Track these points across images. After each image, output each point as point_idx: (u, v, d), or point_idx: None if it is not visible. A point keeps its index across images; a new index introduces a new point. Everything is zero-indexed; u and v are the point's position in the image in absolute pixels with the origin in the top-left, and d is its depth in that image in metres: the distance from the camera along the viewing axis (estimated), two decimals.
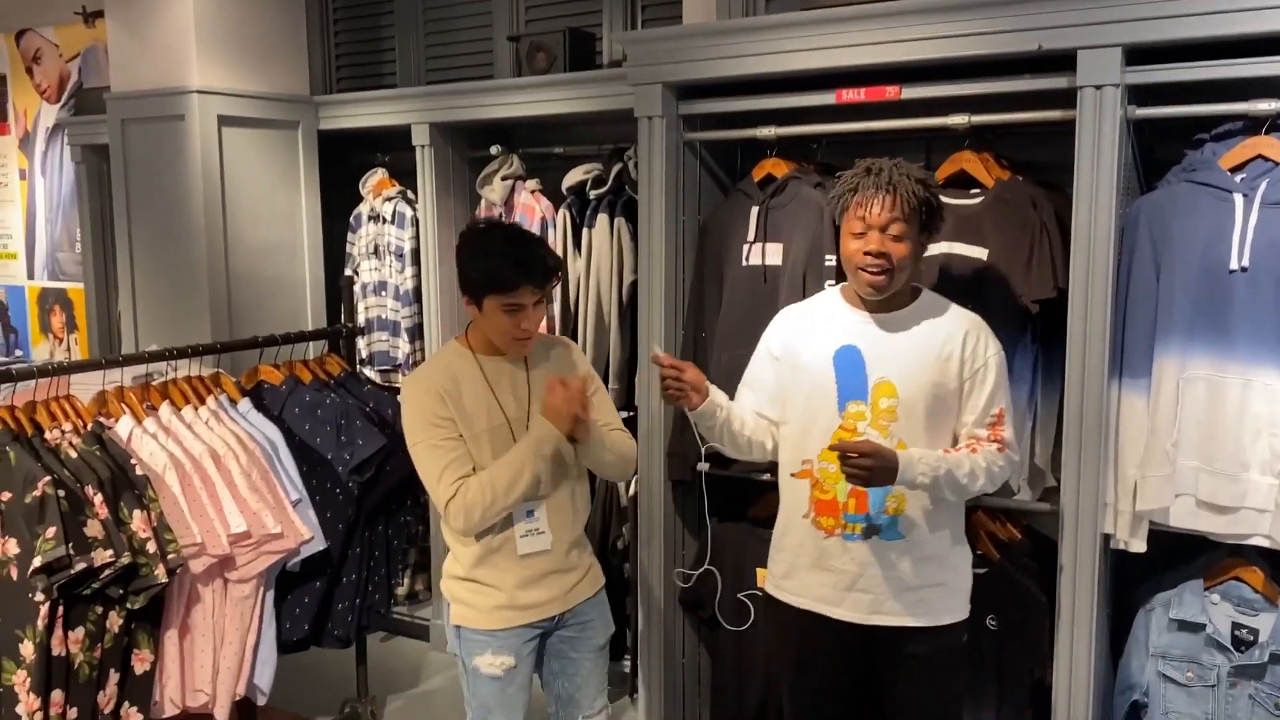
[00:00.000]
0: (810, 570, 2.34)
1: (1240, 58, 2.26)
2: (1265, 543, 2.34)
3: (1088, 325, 2.43)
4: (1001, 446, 2.26)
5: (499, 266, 2.30)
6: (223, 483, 2.68)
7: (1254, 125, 2.36)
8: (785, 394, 2.38)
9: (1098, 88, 2.34)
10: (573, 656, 2.54)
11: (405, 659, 4.19)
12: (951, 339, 2.26)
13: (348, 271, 4.21)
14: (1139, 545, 2.47)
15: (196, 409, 2.82)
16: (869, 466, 2.09)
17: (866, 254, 2.21)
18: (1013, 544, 2.75)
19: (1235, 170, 2.36)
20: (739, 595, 2.97)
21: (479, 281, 2.32)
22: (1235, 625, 2.45)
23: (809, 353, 2.33)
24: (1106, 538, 2.50)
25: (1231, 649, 2.43)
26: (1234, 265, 2.31)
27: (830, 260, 2.76)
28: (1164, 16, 2.27)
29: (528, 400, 2.43)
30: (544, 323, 3.34)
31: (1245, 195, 2.32)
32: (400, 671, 4.06)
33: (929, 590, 2.29)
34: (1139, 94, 2.41)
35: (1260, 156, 2.34)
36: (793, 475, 2.37)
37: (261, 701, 2.89)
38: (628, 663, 3.63)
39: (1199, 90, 2.37)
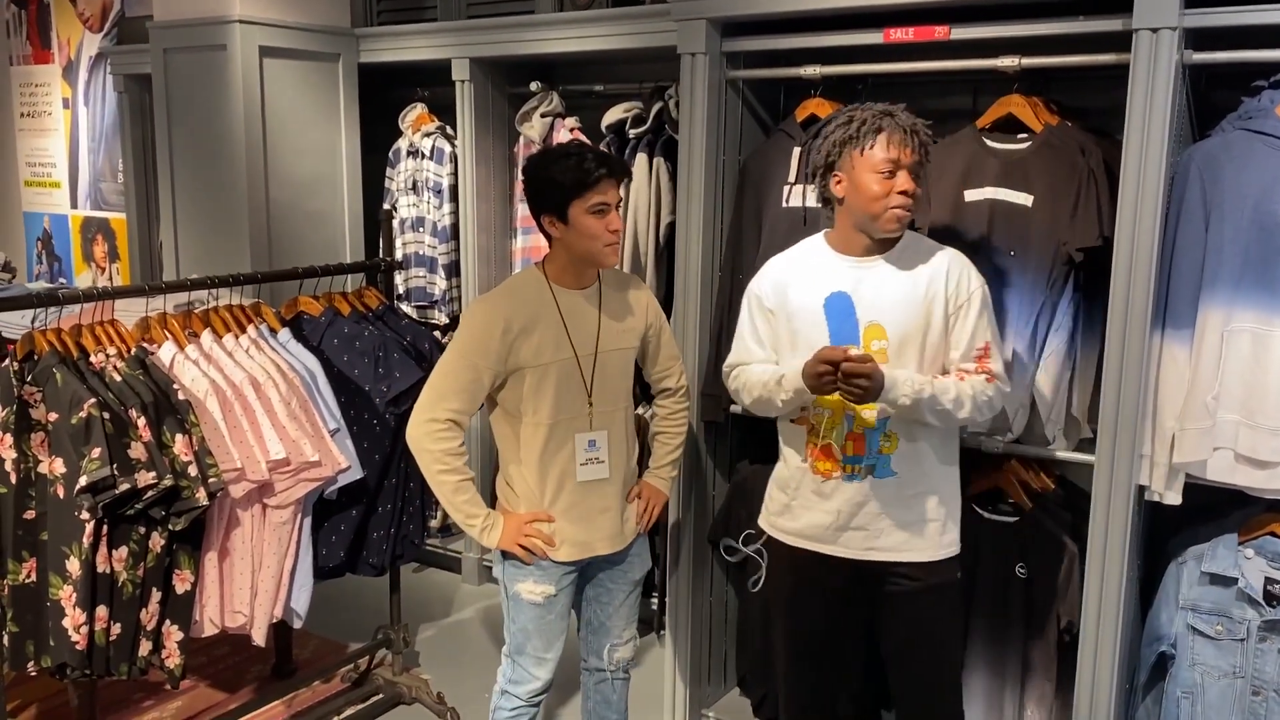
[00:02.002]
0: (805, 510, 2.39)
1: None
2: None
3: (1132, 274, 2.39)
4: (990, 377, 2.28)
5: (578, 164, 2.32)
6: (262, 410, 2.71)
7: None
8: (778, 343, 2.41)
9: (1154, 30, 2.28)
10: (609, 587, 2.61)
11: (438, 590, 4.27)
12: (935, 277, 2.28)
13: (386, 205, 4.22)
14: (1174, 498, 2.45)
15: (237, 337, 2.85)
16: (866, 387, 2.13)
17: (901, 193, 2.21)
18: (1045, 493, 2.74)
19: None
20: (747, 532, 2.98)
21: (564, 185, 2.32)
22: (1269, 580, 2.43)
23: (799, 301, 2.34)
24: (1141, 489, 2.48)
25: (1263, 604, 2.42)
26: None
27: None
28: None
29: (596, 336, 2.45)
30: None
31: None
32: (433, 602, 4.15)
33: (922, 525, 2.33)
34: (1196, 38, 2.34)
35: None
36: (792, 422, 2.40)
37: (297, 625, 2.95)
38: (655, 601, 3.67)
39: (1259, 35, 2.30)
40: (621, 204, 2.41)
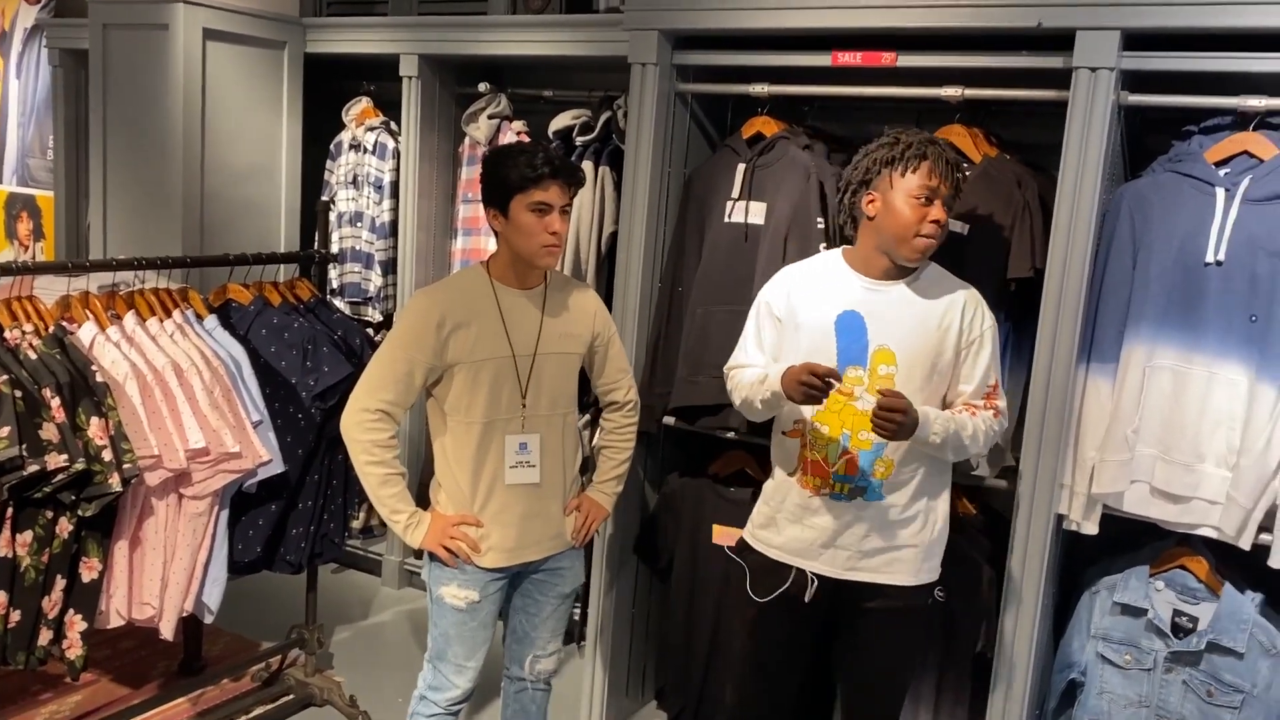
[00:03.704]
0: (791, 524, 2.38)
1: (1233, 51, 2.27)
2: (1213, 534, 2.38)
3: (1061, 307, 2.44)
4: (996, 413, 2.32)
5: (527, 160, 2.30)
6: (184, 397, 2.64)
7: (1242, 121, 2.37)
8: (782, 353, 2.39)
9: (1093, 70, 2.34)
10: (538, 598, 2.57)
11: (356, 592, 4.19)
12: (951, 310, 2.30)
13: (324, 197, 4.15)
14: (1091, 528, 2.50)
15: (162, 321, 2.77)
16: (902, 422, 2.13)
17: (934, 222, 2.22)
18: (967, 518, 2.78)
19: (1220, 164, 2.38)
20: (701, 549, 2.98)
21: (509, 179, 2.31)
22: (1176, 612, 2.49)
23: (810, 314, 2.33)
24: (1060, 518, 2.53)
25: (1170, 635, 2.48)
26: (1210, 258, 2.33)
27: (820, 223, 2.75)
28: (1164, 4, 2.27)
29: (536, 338, 2.43)
30: None
31: (1227, 190, 2.33)
32: (351, 604, 4.07)
33: (905, 550, 2.34)
34: (1133, 80, 2.41)
35: (1246, 152, 2.36)
36: (784, 434, 2.40)
37: (208, 620, 2.87)
38: (578, 611, 3.65)
39: (1192, 81, 2.37)
40: (568, 210, 2.38)
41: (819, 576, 2.36)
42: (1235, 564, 2.47)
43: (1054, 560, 2.58)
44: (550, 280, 2.49)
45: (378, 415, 2.35)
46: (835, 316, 2.30)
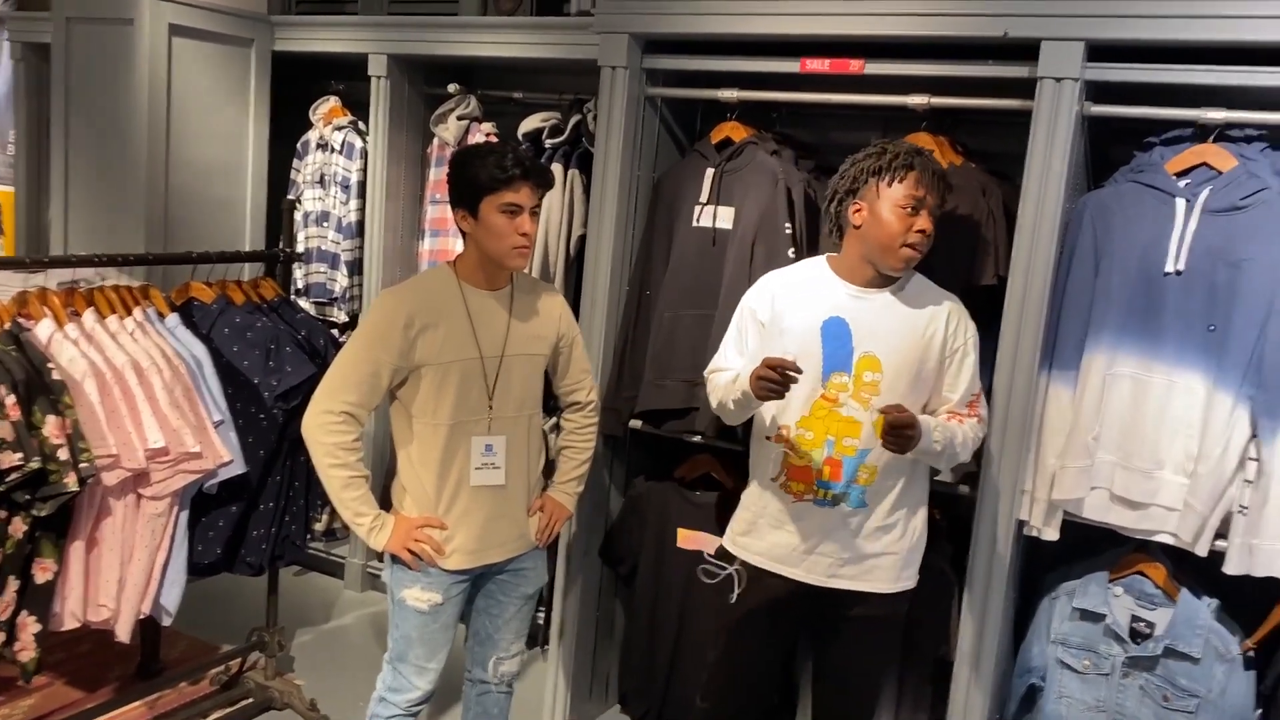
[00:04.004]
0: (772, 530, 2.39)
1: (1194, 64, 2.30)
2: (1170, 540, 2.41)
3: (1023, 314, 2.46)
4: (979, 420, 2.36)
5: (497, 161, 2.28)
6: (144, 396, 2.61)
7: (1203, 133, 2.40)
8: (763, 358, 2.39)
9: (1057, 80, 2.37)
10: (501, 599, 2.56)
11: (318, 594, 4.16)
12: (935, 319, 2.32)
13: (290, 196, 4.12)
14: (1052, 534, 2.53)
15: (122, 319, 2.73)
16: (909, 437, 2.14)
17: (919, 232, 2.23)
18: (930, 523, 2.79)
19: (1180, 175, 2.41)
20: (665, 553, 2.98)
21: (479, 179, 2.29)
22: (1134, 618, 2.52)
23: (795, 320, 2.34)
24: (1021, 524, 2.55)
25: (1128, 640, 2.51)
26: (1170, 268, 2.36)
27: (788, 228, 2.76)
28: (1128, 15, 2.30)
29: (504, 339, 2.41)
30: None
31: (1187, 200, 2.36)
32: (312, 606, 4.03)
33: (885, 558, 2.35)
34: (1096, 91, 2.44)
35: (1205, 164, 2.39)
36: (768, 439, 2.40)
37: (166, 622, 2.83)
38: (542, 614, 3.63)
39: (1155, 93, 2.40)
40: (537, 211, 2.37)
41: (799, 583, 2.36)
42: (1192, 570, 2.50)
43: (1015, 565, 2.60)
44: (517, 281, 2.48)
45: (342, 417, 2.33)
46: (821, 323, 2.31)
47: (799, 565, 2.36)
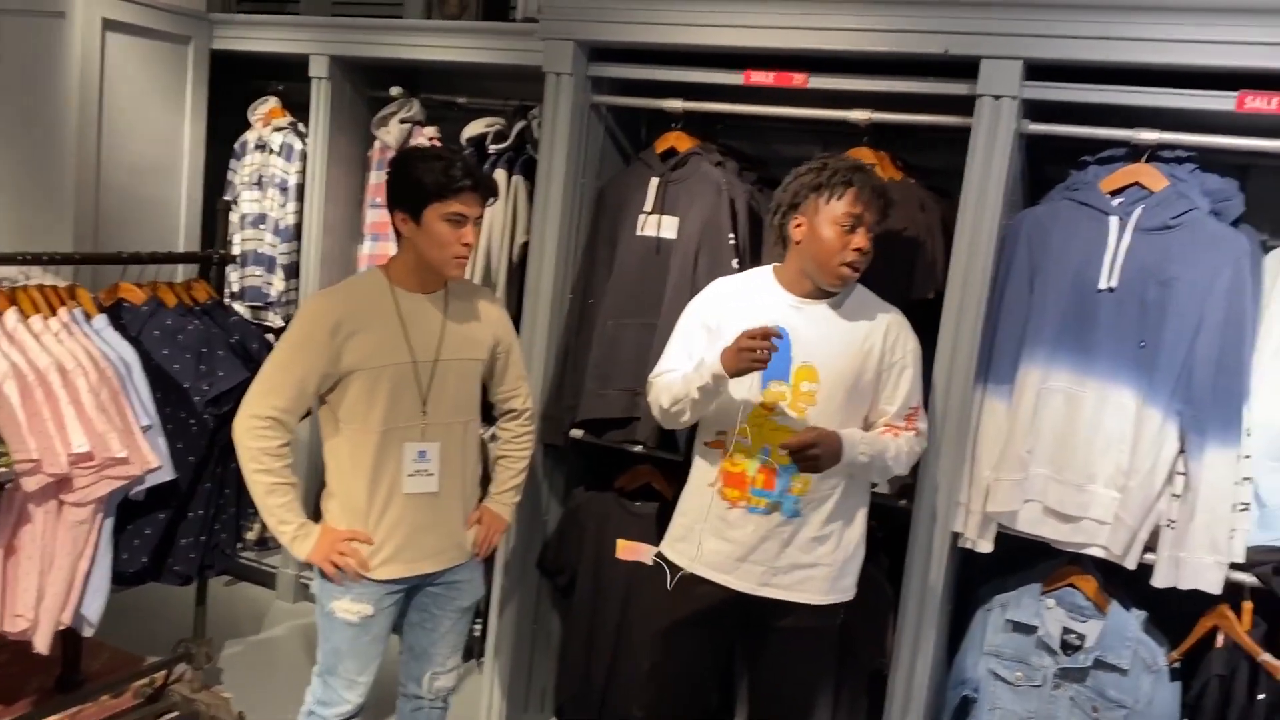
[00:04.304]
0: (708, 537, 2.38)
1: (1128, 86, 2.35)
2: (1101, 553, 2.45)
3: (959, 329, 2.49)
4: (917, 434, 2.36)
5: (446, 169, 2.25)
6: (68, 399, 2.53)
7: (1135, 153, 2.46)
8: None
9: (996, 98, 2.40)
10: (435, 613, 2.51)
11: (249, 605, 4.07)
12: (874, 332, 2.33)
13: (226, 197, 4.04)
14: (986, 546, 2.55)
15: (46, 319, 2.65)
16: (817, 455, 2.15)
17: (856, 250, 2.24)
18: (867, 535, 2.81)
19: (1114, 194, 2.46)
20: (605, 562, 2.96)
21: (424, 185, 2.25)
22: (1065, 630, 2.56)
23: (738, 328, 2.32)
24: (956, 536, 2.58)
25: (1059, 652, 2.54)
26: (1103, 285, 2.41)
27: (732, 239, 2.77)
28: (1065, 36, 2.34)
29: (438, 343, 2.37)
30: None
31: (1120, 219, 2.41)
32: (242, 617, 3.94)
33: (819, 569, 2.35)
34: (1034, 109, 2.48)
35: (1138, 183, 2.44)
36: (706, 444, 2.40)
37: (88, 633, 2.74)
38: (478, 626, 3.59)
39: (1088, 113, 2.45)
40: (480, 220, 2.34)
41: (733, 591, 2.36)
42: (1121, 582, 2.55)
43: (950, 577, 2.62)
44: (451, 285, 2.44)
45: (268, 422, 2.28)
46: None
47: (732, 573, 2.36)
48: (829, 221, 2.26)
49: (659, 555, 2.50)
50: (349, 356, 2.29)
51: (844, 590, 2.41)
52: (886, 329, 2.34)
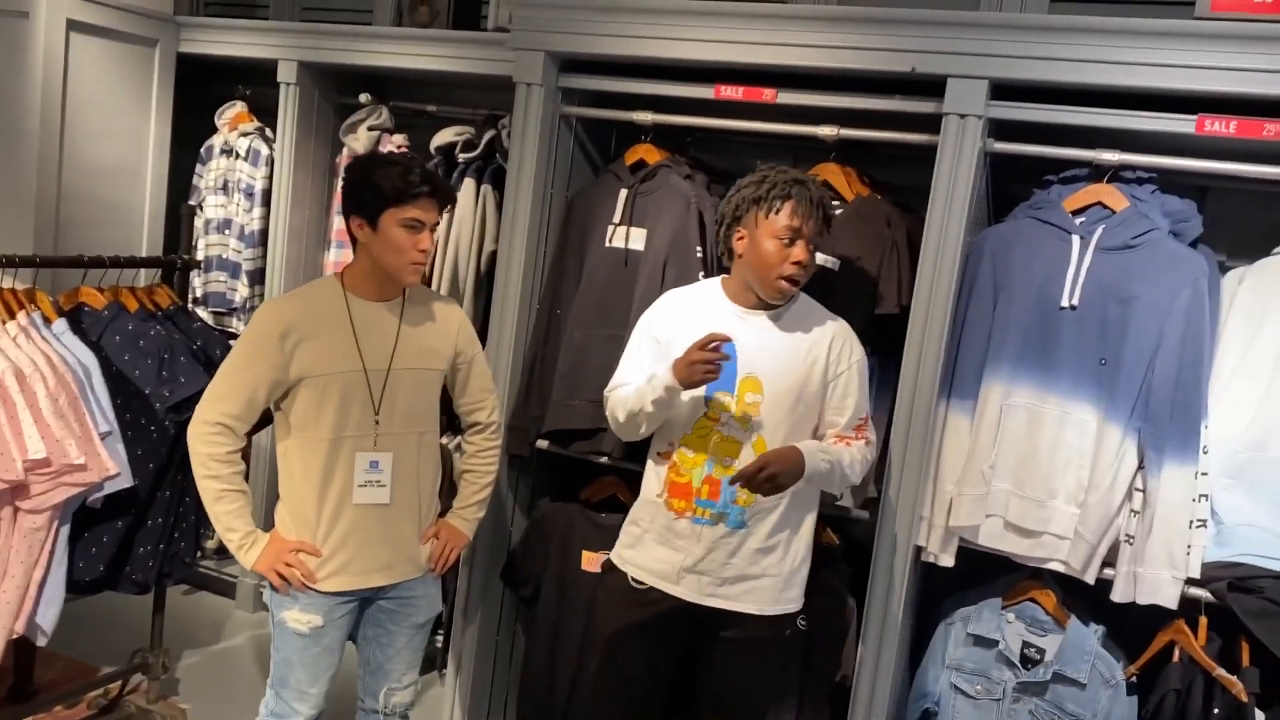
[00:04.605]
0: (656, 546, 2.39)
1: (1091, 107, 2.38)
2: (1061, 568, 2.47)
3: (924, 344, 2.51)
4: (867, 443, 2.37)
5: (404, 174, 2.24)
6: (24, 404, 2.49)
7: (1098, 173, 2.50)
8: None
9: (962, 116, 2.43)
10: (391, 629, 2.48)
11: (207, 614, 4.01)
12: (819, 342, 2.34)
13: (191, 202, 4.00)
14: (948, 560, 2.57)
15: (4, 323, 2.61)
16: (773, 474, 2.16)
17: (795, 263, 2.26)
18: (830, 548, 2.82)
19: (1076, 213, 2.49)
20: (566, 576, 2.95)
21: (381, 190, 2.23)
22: (1025, 644, 2.58)
23: (686, 338, 2.33)
24: (919, 550, 2.60)
25: (1019, 666, 2.56)
26: (1065, 303, 2.44)
27: (700, 251, 2.78)
28: (1031, 58, 2.37)
29: (392, 351, 2.36)
30: None
31: (1082, 238, 2.45)
32: (201, 627, 3.89)
33: (765, 580, 2.36)
34: (999, 129, 2.51)
35: (1100, 203, 2.48)
36: (659, 454, 2.41)
37: (42, 643, 2.69)
38: (440, 638, 3.57)
39: (1052, 133, 2.48)
40: (438, 228, 2.33)
41: (679, 600, 2.36)
42: (1080, 597, 2.57)
43: (912, 591, 2.64)
44: (410, 293, 2.42)
45: (217, 428, 2.27)
46: None
47: (679, 582, 2.37)
48: (768, 234, 2.28)
49: (607, 561, 2.51)
50: (298, 363, 2.27)
51: (790, 601, 2.42)
52: (831, 339, 2.36)
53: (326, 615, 2.36)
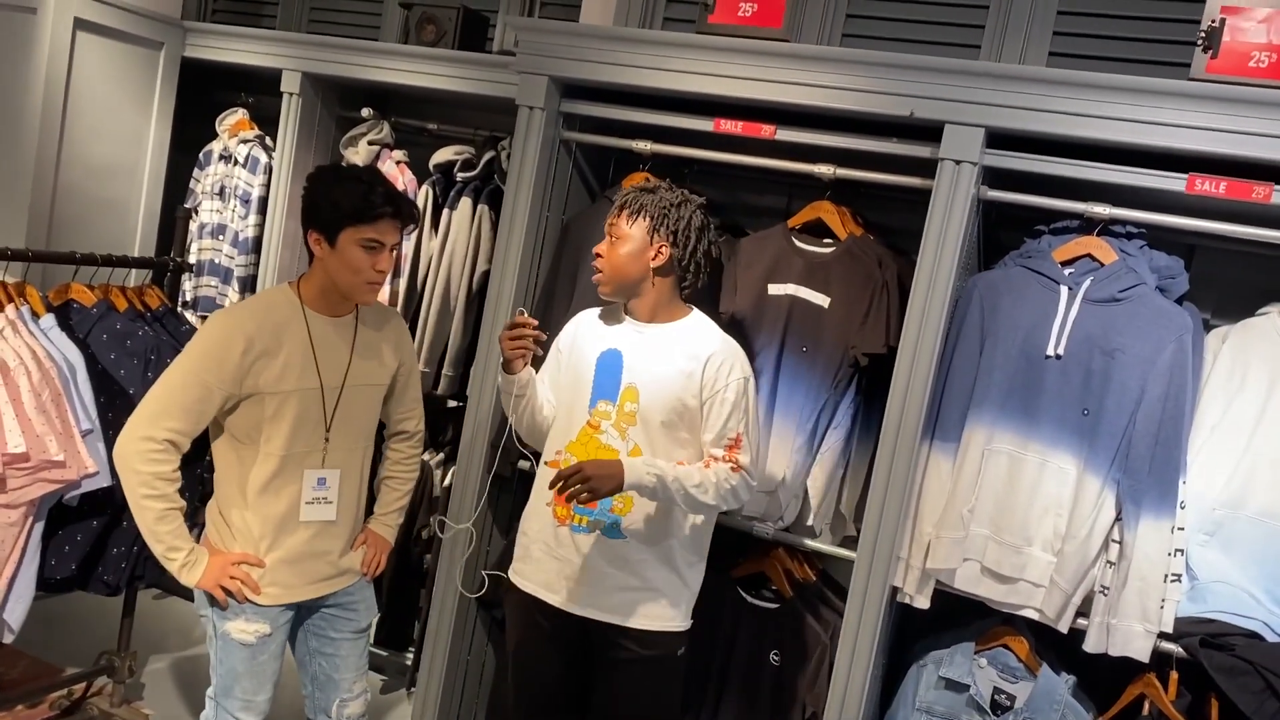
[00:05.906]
0: (542, 557, 2.41)
1: (1084, 160, 2.41)
2: (1035, 615, 2.48)
3: (910, 385, 2.53)
4: (735, 467, 2.33)
5: (365, 194, 2.22)
6: (7, 398, 2.48)
7: (1088, 225, 2.52)
8: (558, 387, 2.50)
9: (957, 162, 2.46)
10: (332, 637, 2.47)
11: (177, 619, 3.97)
12: (697, 359, 2.36)
13: (187, 205, 4.00)
14: (923, 602, 2.57)
15: None
16: (586, 478, 2.15)
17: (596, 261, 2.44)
18: (807, 584, 2.83)
19: (1066, 264, 2.52)
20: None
21: (341, 208, 2.21)
22: (996, 690, 2.58)
23: (582, 350, 2.44)
24: (895, 590, 2.60)
25: (989, 712, 2.56)
26: (1050, 352, 2.46)
27: None
28: (1027, 109, 2.40)
29: (346, 367, 2.35)
30: (385, 294, 3.28)
31: (1070, 289, 2.47)
32: (169, 632, 3.85)
33: (644, 594, 2.36)
34: (992, 177, 2.54)
35: (1089, 255, 2.50)
36: (546, 463, 2.45)
37: (8, 639, 2.67)
38: (411, 655, 3.54)
39: (1045, 184, 2.51)
40: (396, 247, 2.32)
41: (563, 612, 2.38)
42: (1052, 645, 2.58)
43: (886, 631, 2.64)
44: (362, 309, 2.42)
45: (163, 445, 2.19)
46: (600, 353, 2.40)
47: (560, 592, 2.39)
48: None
49: (486, 574, 2.58)
50: (256, 378, 2.23)
51: (678, 618, 2.40)
52: (710, 358, 2.35)
53: (273, 622, 2.34)
